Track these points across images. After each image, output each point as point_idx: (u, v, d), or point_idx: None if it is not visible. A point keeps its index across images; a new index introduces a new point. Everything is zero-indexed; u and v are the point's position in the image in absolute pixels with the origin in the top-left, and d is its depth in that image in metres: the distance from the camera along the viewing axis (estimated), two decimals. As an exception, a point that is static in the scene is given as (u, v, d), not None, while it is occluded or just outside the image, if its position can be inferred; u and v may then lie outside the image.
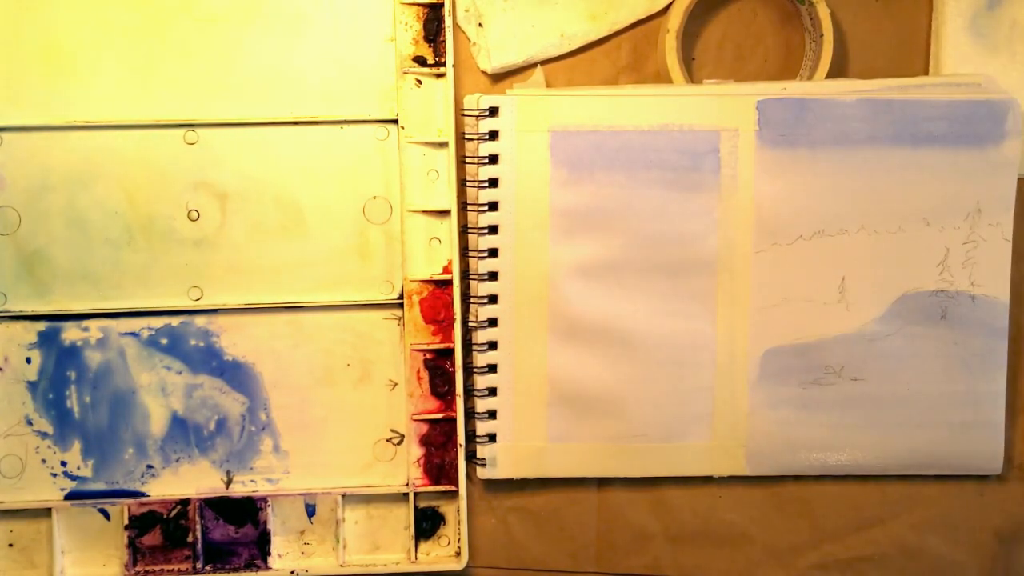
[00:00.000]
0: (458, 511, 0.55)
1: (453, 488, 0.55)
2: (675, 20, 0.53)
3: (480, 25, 0.54)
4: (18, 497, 0.54)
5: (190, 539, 0.55)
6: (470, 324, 0.55)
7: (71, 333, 0.54)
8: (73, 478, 0.54)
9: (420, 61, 0.54)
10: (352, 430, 0.55)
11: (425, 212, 0.54)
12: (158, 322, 0.54)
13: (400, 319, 0.55)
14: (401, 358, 0.55)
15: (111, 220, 0.53)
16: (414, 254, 0.55)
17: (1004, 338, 0.54)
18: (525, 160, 0.53)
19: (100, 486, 0.55)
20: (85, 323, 0.54)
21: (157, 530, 0.55)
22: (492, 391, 0.54)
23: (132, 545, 0.55)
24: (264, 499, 0.55)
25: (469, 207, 0.54)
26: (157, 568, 0.55)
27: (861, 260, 0.54)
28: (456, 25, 0.54)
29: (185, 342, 0.54)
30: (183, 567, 0.55)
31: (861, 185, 0.53)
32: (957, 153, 0.53)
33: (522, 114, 0.52)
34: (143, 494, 0.55)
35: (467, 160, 0.54)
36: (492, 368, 0.54)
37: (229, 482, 0.55)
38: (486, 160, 0.53)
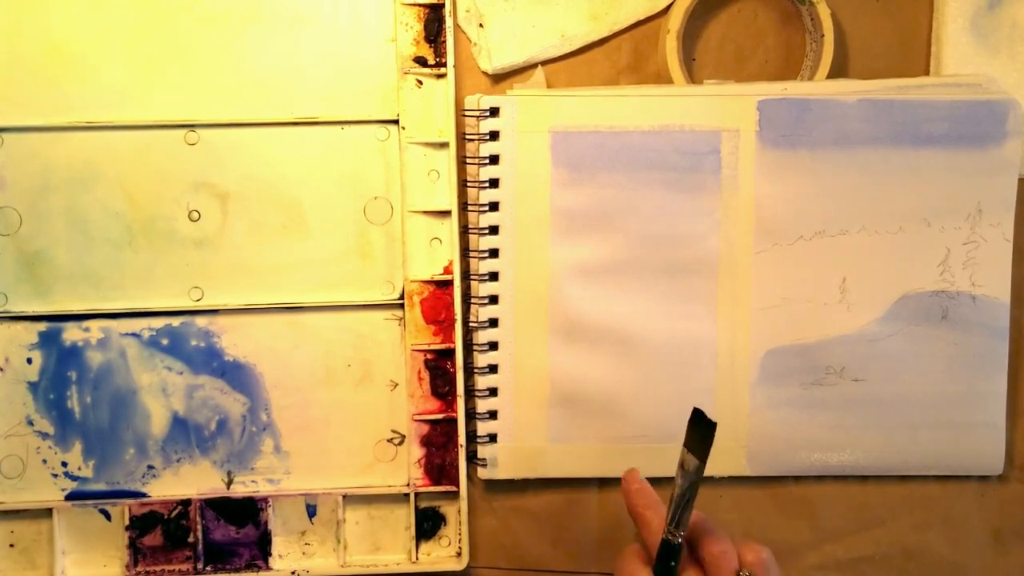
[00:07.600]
0: (459, 511, 0.55)
1: (454, 488, 0.55)
2: (676, 21, 0.53)
3: (481, 25, 0.54)
4: (19, 498, 0.54)
5: (191, 539, 0.55)
6: (471, 324, 0.55)
7: (72, 333, 0.54)
8: (74, 478, 0.54)
9: (421, 61, 0.54)
10: (353, 430, 0.55)
11: (426, 212, 0.54)
12: (159, 322, 0.54)
13: (401, 319, 0.55)
14: (402, 358, 0.55)
15: (112, 220, 0.53)
16: (415, 254, 0.55)
17: (1005, 338, 0.54)
18: (526, 160, 0.53)
19: (101, 486, 0.55)
20: (86, 323, 0.54)
21: (158, 530, 0.55)
22: (493, 391, 0.54)
23: (133, 546, 0.55)
24: (265, 499, 0.55)
25: (470, 207, 0.54)
26: (158, 568, 0.55)
27: (862, 260, 0.54)
28: (457, 25, 0.54)
29: (186, 342, 0.54)
30: (184, 568, 0.55)
31: (862, 185, 0.53)
32: (958, 153, 0.53)
33: (523, 114, 0.52)
34: (144, 494, 0.55)
35: (468, 160, 0.54)
36: (493, 368, 0.54)
37: (230, 482, 0.55)
38: (487, 160, 0.53)
